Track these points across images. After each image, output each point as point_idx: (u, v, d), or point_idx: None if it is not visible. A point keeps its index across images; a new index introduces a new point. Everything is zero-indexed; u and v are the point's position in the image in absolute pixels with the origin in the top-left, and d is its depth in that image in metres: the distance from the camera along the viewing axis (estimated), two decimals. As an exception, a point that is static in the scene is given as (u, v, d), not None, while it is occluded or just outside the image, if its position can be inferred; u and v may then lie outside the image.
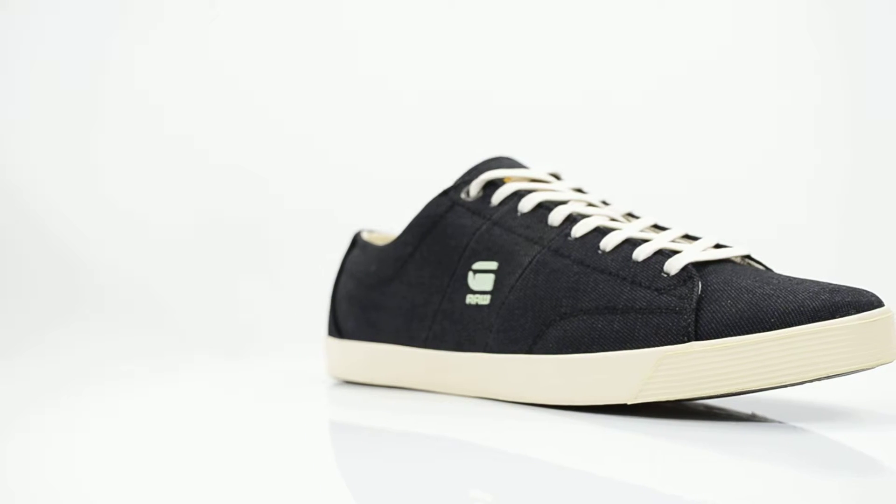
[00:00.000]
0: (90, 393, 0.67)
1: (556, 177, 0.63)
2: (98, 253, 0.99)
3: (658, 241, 0.54)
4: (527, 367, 0.56)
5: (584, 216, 0.58)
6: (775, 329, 0.48)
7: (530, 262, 0.57)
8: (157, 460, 0.46)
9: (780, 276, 0.52)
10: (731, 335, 0.49)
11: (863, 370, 0.49)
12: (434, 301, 0.61)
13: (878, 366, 0.49)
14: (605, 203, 0.61)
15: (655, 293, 0.52)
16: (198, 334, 0.93)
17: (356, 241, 0.69)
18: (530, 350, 0.56)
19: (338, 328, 0.68)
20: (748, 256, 0.56)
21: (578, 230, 0.56)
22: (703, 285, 0.51)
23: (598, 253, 0.55)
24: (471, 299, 0.60)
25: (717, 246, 0.56)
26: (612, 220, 0.58)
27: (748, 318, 0.49)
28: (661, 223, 0.59)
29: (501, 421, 0.54)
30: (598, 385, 0.53)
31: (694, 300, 0.50)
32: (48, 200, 1.00)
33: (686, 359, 0.50)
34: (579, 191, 0.62)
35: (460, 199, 0.62)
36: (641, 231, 0.56)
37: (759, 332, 0.48)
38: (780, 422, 0.52)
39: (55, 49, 1.04)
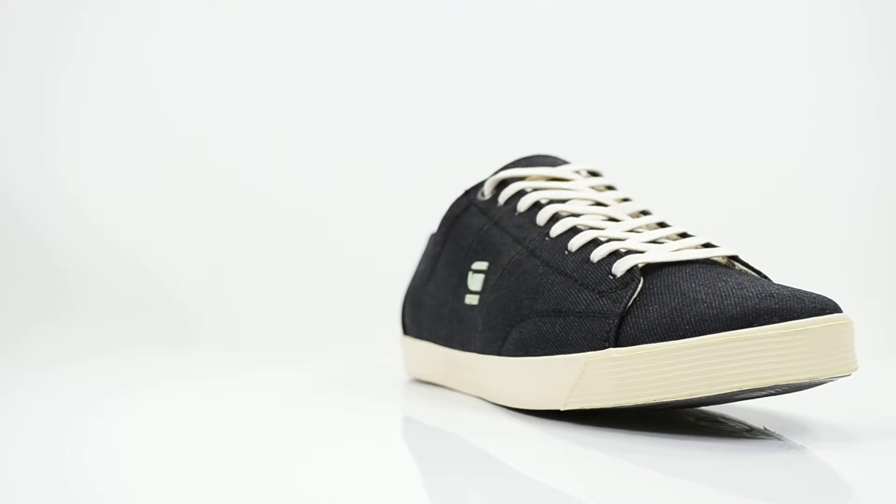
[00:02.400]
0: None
1: (595, 174, 0.60)
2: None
3: (622, 243, 0.51)
4: (496, 369, 0.56)
5: (569, 215, 0.55)
6: (688, 337, 0.44)
7: (508, 263, 0.56)
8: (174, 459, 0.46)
9: (746, 279, 0.47)
10: (648, 342, 0.46)
11: (789, 384, 0.43)
12: (449, 300, 0.62)
13: (807, 381, 0.43)
14: (625, 200, 0.58)
15: (597, 296, 0.49)
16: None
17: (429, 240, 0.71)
18: (500, 351, 0.55)
19: (403, 325, 0.70)
20: (735, 258, 0.51)
21: (556, 230, 0.54)
22: (643, 288, 0.48)
23: (563, 254, 0.53)
24: (468, 299, 0.59)
25: (706, 245, 0.52)
26: (610, 219, 0.55)
27: (666, 324, 0.45)
28: (671, 221, 0.55)
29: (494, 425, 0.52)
30: (535, 390, 0.52)
31: (622, 304, 0.47)
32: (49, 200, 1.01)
33: (605, 366, 0.47)
34: (610, 188, 0.59)
35: (476, 198, 0.61)
36: (628, 231, 0.53)
37: (674, 339, 0.45)
38: (779, 438, 0.47)
39: (28, 43, 1.03)
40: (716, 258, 0.51)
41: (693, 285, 0.46)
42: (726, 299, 0.44)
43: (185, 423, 0.54)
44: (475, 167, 0.67)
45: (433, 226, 0.67)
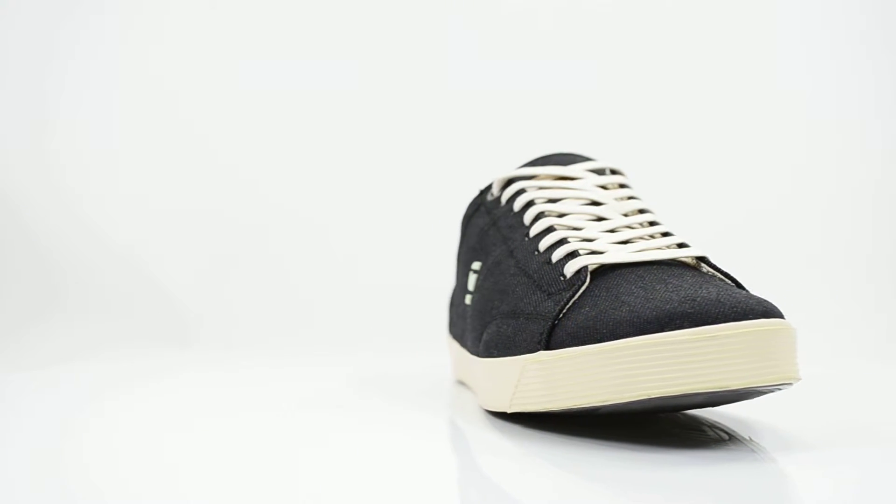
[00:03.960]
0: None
1: (615, 172, 0.58)
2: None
3: (589, 243, 0.50)
4: (474, 370, 0.56)
5: (556, 214, 0.54)
6: (604, 341, 0.43)
7: (492, 263, 0.56)
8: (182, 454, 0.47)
9: (695, 282, 0.45)
10: (572, 345, 0.44)
11: (705, 392, 0.41)
12: (460, 300, 0.62)
13: (720, 389, 0.41)
14: (630, 199, 0.55)
15: (546, 297, 0.48)
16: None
17: None
18: (477, 352, 0.55)
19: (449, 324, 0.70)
20: (703, 259, 0.49)
21: (535, 230, 0.53)
22: (585, 291, 0.47)
23: (534, 254, 0.52)
24: (467, 299, 0.60)
25: (681, 246, 0.50)
26: (599, 219, 0.53)
27: (588, 328, 0.44)
28: (672, 222, 0.54)
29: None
30: (490, 392, 0.51)
31: (558, 307, 0.46)
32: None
33: (534, 369, 0.46)
34: (623, 186, 0.56)
35: (486, 198, 0.61)
36: (608, 230, 0.51)
37: (592, 343, 0.43)
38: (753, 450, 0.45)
39: (27, 42, 1.03)
40: (683, 259, 0.49)
41: (632, 288, 0.45)
42: (649, 303, 0.43)
43: (184, 422, 0.54)
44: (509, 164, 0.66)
45: (447, 226, 0.67)
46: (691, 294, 0.43)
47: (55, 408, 0.59)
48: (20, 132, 1.03)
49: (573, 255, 0.49)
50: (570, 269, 0.48)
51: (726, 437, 0.48)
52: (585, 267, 0.48)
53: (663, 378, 0.41)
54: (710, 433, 0.49)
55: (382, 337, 0.90)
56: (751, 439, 0.47)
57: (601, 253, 0.49)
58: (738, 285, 0.48)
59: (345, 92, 1.06)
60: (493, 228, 0.58)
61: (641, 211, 0.54)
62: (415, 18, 1.07)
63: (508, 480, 0.42)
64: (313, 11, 1.07)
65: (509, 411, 0.49)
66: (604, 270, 0.48)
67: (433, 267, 0.83)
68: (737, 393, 0.42)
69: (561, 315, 0.46)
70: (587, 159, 0.58)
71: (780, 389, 0.44)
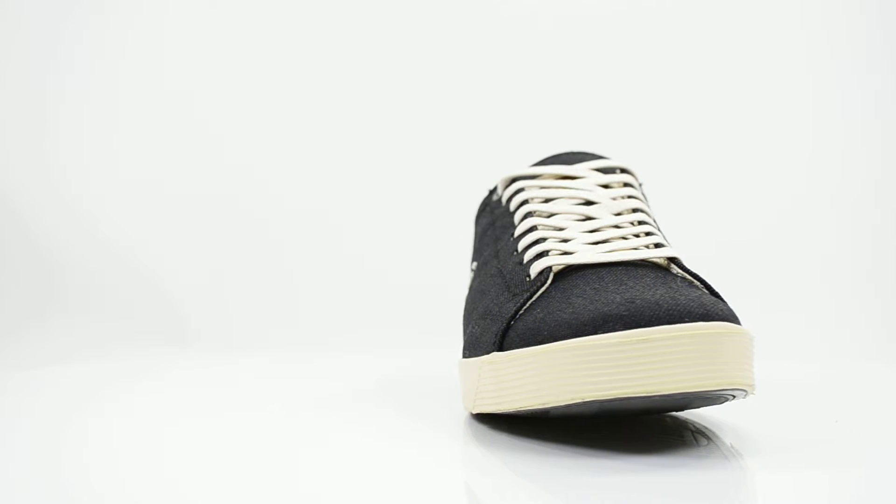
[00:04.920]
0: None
1: (625, 171, 0.56)
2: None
3: (564, 244, 0.49)
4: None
5: (546, 214, 0.52)
6: (544, 343, 0.42)
7: (482, 263, 0.55)
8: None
9: (653, 284, 0.44)
10: (519, 347, 0.44)
11: (640, 397, 0.39)
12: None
13: (650, 394, 0.39)
14: (629, 198, 0.53)
15: (510, 298, 0.48)
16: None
17: None
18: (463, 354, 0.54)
19: None
20: (673, 260, 0.48)
21: (519, 230, 0.52)
22: (545, 292, 0.46)
23: (512, 254, 0.51)
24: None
25: (658, 246, 0.49)
26: (587, 218, 0.51)
27: (534, 329, 0.43)
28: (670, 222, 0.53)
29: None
30: (461, 392, 0.51)
31: (515, 307, 0.45)
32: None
33: (487, 370, 0.45)
34: (627, 185, 0.54)
35: (491, 199, 0.60)
36: (590, 231, 0.50)
37: (534, 345, 0.43)
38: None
39: (28, 42, 1.03)
40: (655, 259, 0.48)
41: (586, 289, 0.44)
42: (592, 304, 0.42)
43: (183, 421, 0.54)
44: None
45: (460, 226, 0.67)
46: (635, 296, 0.42)
47: (55, 407, 0.59)
48: (20, 132, 1.04)
49: (542, 255, 0.48)
50: (535, 269, 0.48)
51: (705, 441, 0.47)
52: (549, 268, 0.47)
53: (595, 381, 0.40)
54: (691, 438, 0.48)
55: (385, 336, 0.89)
56: (732, 445, 0.46)
57: (572, 253, 0.48)
58: (709, 288, 0.47)
59: (345, 91, 1.05)
60: (491, 228, 0.58)
61: (635, 210, 0.52)
62: (440, 10, 1.06)
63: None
64: (327, 7, 1.07)
65: (473, 412, 0.48)
66: (571, 271, 0.47)
67: (441, 267, 0.83)
68: (678, 398, 0.41)
69: (517, 316, 0.45)
70: (597, 157, 0.56)
71: (733, 397, 0.43)
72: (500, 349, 0.45)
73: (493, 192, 0.60)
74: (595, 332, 0.40)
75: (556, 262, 0.47)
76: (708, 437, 0.48)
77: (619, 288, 0.43)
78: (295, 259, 1.01)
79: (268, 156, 1.05)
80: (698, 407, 0.45)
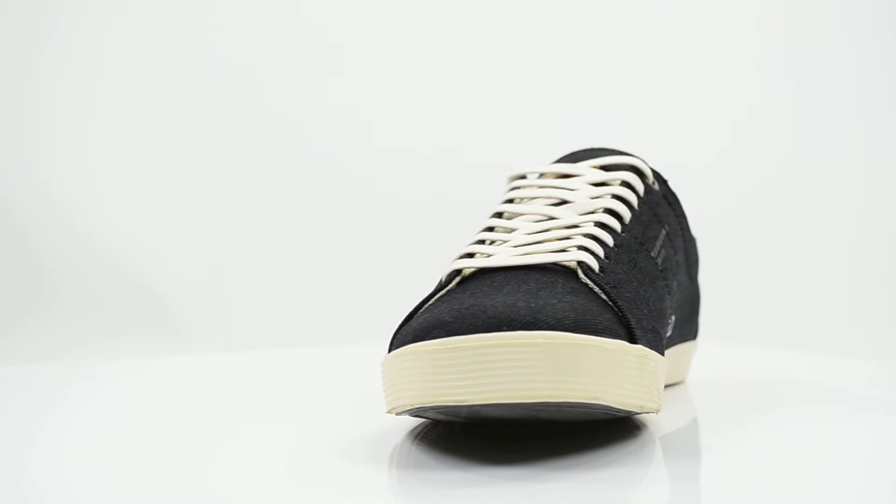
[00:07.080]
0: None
1: (635, 169, 0.53)
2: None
3: (490, 246, 0.48)
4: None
5: (508, 214, 0.51)
6: (395, 348, 0.42)
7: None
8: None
9: (532, 287, 0.42)
10: (391, 350, 0.43)
11: (460, 407, 0.38)
12: None
13: (456, 405, 0.38)
14: (615, 198, 0.50)
15: (425, 300, 0.46)
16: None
17: None
18: None
19: None
20: (581, 263, 0.45)
21: (478, 229, 0.51)
22: (443, 295, 0.45)
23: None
24: None
25: (581, 248, 0.46)
26: (549, 218, 0.49)
27: (406, 332, 0.42)
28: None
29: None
30: None
31: (412, 310, 0.45)
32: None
33: (384, 370, 0.44)
34: (626, 185, 0.51)
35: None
36: (539, 232, 0.48)
37: (395, 349, 0.42)
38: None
39: (12, 41, 1.03)
40: (565, 263, 0.45)
41: (464, 296, 0.43)
42: (443, 309, 0.41)
43: (181, 421, 0.55)
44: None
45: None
46: (496, 301, 0.40)
47: (55, 406, 0.60)
48: (7, 133, 1.05)
49: (466, 256, 0.48)
50: (445, 272, 0.47)
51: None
52: (457, 270, 0.46)
53: (413, 389, 0.39)
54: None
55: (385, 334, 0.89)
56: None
57: (489, 256, 0.47)
58: (610, 297, 0.43)
59: (346, 92, 1.06)
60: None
61: (606, 210, 0.49)
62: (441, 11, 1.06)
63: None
64: (327, 7, 1.07)
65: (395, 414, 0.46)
66: (486, 273, 0.46)
67: (441, 267, 0.83)
68: (519, 407, 0.39)
69: (411, 317, 0.45)
70: (622, 154, 0.54)
71: (579, 408, 0.40)
72: (390, 350, 0.44)
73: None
74: (423, 339, 0.39)
75: (464, 264, 0.46)
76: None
77: (499, 293, 0.42)
78: (294, 259, 1.01)
79: (267, 156, 1.05)
80: (573, 418, 0.43)
